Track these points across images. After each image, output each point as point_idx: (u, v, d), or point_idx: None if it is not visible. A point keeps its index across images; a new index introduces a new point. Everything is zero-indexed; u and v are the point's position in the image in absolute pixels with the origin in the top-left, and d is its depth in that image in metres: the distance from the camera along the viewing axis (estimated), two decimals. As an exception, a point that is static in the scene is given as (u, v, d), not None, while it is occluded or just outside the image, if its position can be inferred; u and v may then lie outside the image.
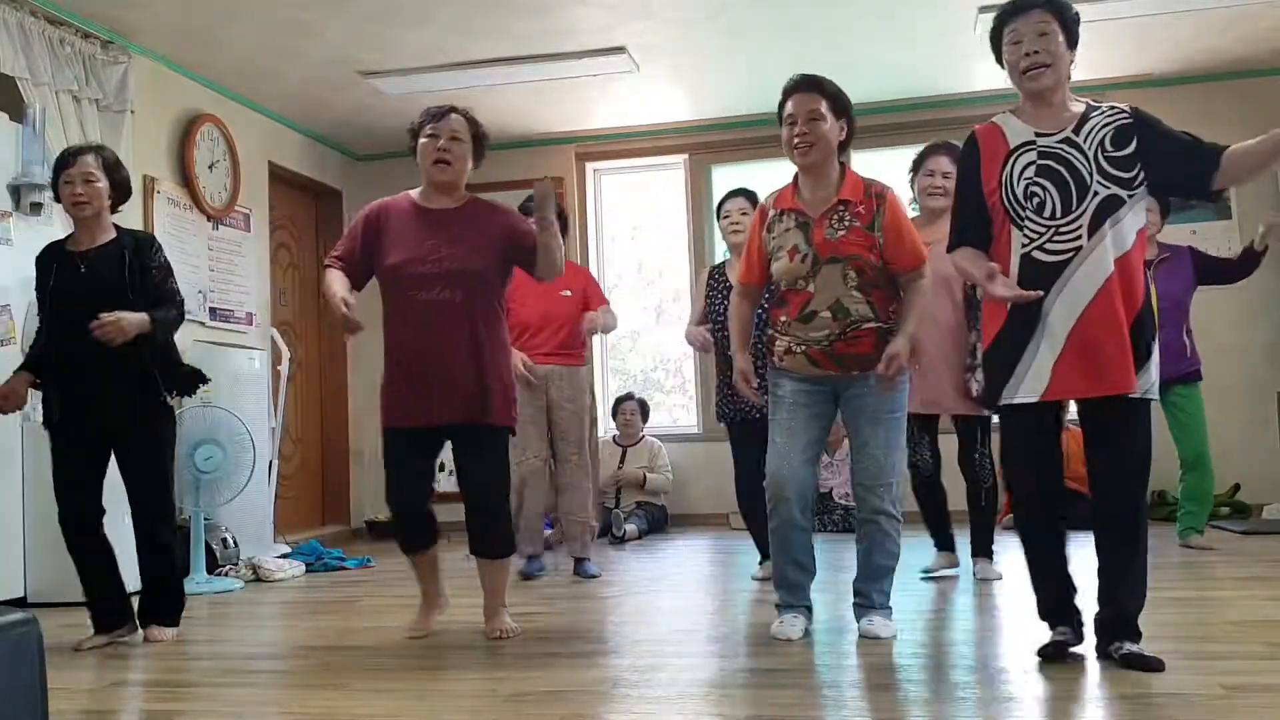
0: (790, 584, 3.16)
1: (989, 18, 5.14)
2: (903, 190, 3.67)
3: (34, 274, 3.54)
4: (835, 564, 4.77)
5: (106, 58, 4.92)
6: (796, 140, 3.07)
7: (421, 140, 3.28)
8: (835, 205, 3.08)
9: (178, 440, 3.63)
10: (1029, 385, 2.63)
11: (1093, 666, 2.67)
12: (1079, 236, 2.58)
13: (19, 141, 4.44)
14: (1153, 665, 2.52)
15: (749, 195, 4.39)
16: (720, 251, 6.76)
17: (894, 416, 3.10)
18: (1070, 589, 2.74)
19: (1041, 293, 2.58)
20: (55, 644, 3.24)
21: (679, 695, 2.59)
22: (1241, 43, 5.74)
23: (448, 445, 3.36)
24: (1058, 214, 2.60)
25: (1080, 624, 2.72)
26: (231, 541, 5.05)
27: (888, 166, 6.86)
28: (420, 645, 3.28)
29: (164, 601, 3.50)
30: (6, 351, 4.34)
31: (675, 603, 4.00)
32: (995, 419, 4.02)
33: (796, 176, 3.18)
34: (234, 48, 5.30)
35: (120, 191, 3.54)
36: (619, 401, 6.63)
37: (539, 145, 6.96)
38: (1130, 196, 2.60)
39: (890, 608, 3.13)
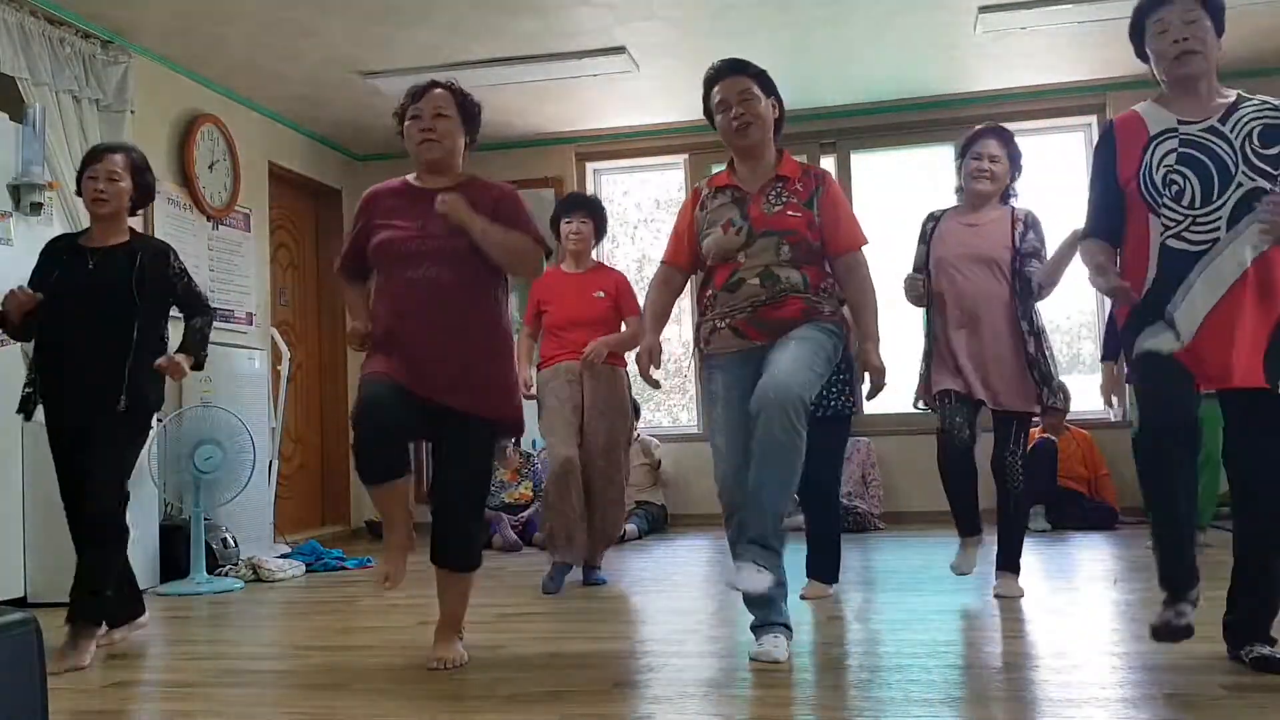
0: (758, 599, 2.89)
1: (989, 17, 5.23)
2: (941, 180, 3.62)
3: (34, 270, 3.49)
4: (835, 564, 4.77)
5: (106, 58, 4.92)
6: (735, 122, 3.02)
7: (406, 123, 3.12)
8: (773, 180, 3.03)
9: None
10: (1161, 338, 2.55)
11: (1093, 666, 2.67)
12: (1217, 227, 2.53)
13: (19, 141, 4.43)
14: None
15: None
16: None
17: (809, 339, 2.88)
18: (1194, 550, 2.56)
19: (1136, 296, 2.57)
20: (55, 644, 3.24)
21: (679, 695, 2.59)
22: (1242, 43, 5.74)
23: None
24: (1197, 203, 2.55)
25: (1196, 601, 2.51)
26: (231, 541, 5.05)
27: (888, 166, 6.90)
28: (420, 645, 3.28)
29: (85, 591, 3.27)
30: (6, 351, 4.34)
31: (675, 603, 4.00)
32: (1035, 420, 3.92)
33: (732, 160, 3.14)
34: (234, 48, 5.30)
35: (142, 194, 3.53)
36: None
37: (539, 145, 6.96)
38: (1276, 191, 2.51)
39: (767, 553, 2.79)
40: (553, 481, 4.27)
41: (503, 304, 3.12)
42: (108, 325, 3.32)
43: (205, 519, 4.76)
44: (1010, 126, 3.93)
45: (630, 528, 6.00)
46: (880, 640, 3.11)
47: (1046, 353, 3.71)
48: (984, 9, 5.15)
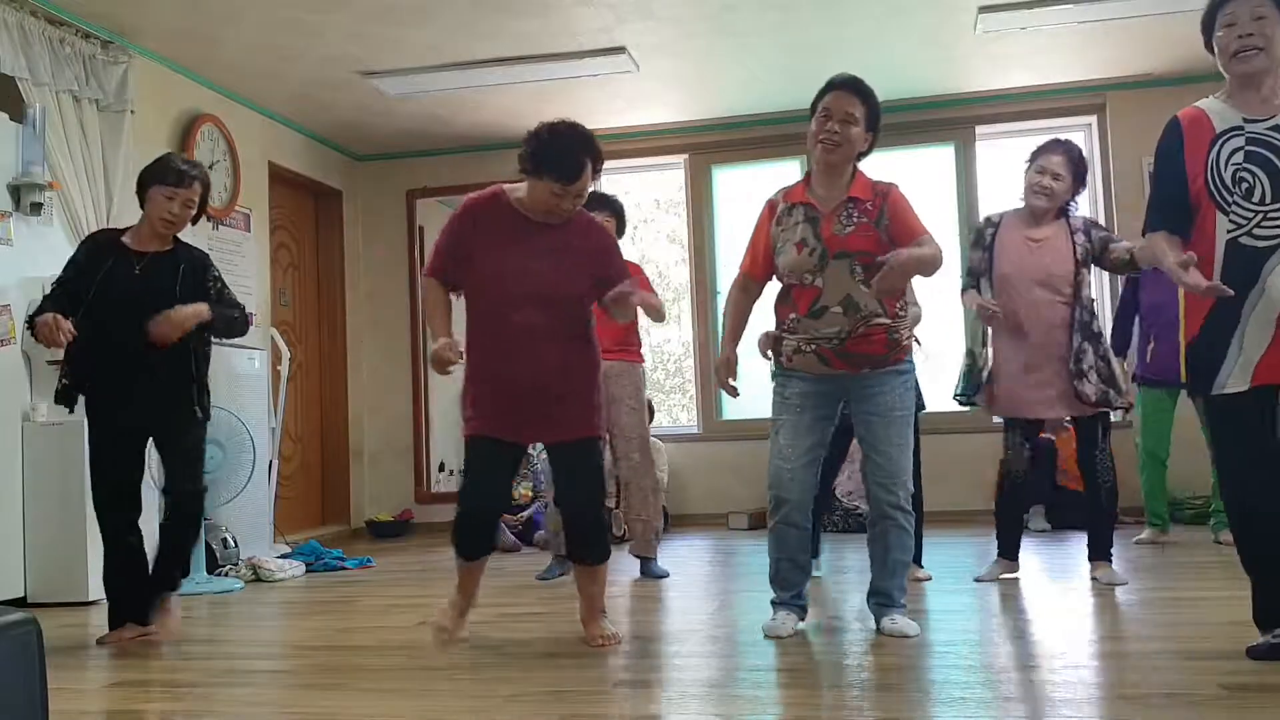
0: (785, 581, 3.20)
1: (989, 18, 5.23)
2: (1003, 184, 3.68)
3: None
4: (836, 564, 4.78)
5: (106, 58, 4.92)
6: (824, 136, 3.08)
7: (551, 193, 3.08)
8: (845, 202, 3.10)
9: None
10: (1238, 374, 2.59)
11: (1093, 666, 2.67)
12: None
13: (19, 141, 4.44)
14: None
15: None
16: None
17: (902, 415, 3.10)
18: None
19: (1231, 292, 2.53)
20: (55, 644, 3.24)
21: (679, 695, 2.59)
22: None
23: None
24: (1267, 199, 2.56)
25: None
26: (231, 541, 5.05)
27: (888, 167, 6.88)
28: (420, 646, 3.28)
29: (176, 566, 3.54)
30: (6, 351, 4.35)
31: (675, 603, 4.00)
32: (1114, 417, 4.10)
33: (809, 173, 3.20)
34: (234, 48, 5.30)
35: (200, 213, 3.62)
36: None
37: (539, 145, 6.95)
38: None
39: (904, 602, 3.17)
40: None
41: (594, 332, 3.27)
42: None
43: (205, 519, 4.76)
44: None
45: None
46: (880, 640, 3.11)
47: (1107, 356, 3.86)
48: (984, 9, 5.15)
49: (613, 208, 4.74)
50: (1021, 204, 4.00)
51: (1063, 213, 3.93)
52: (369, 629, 3.62)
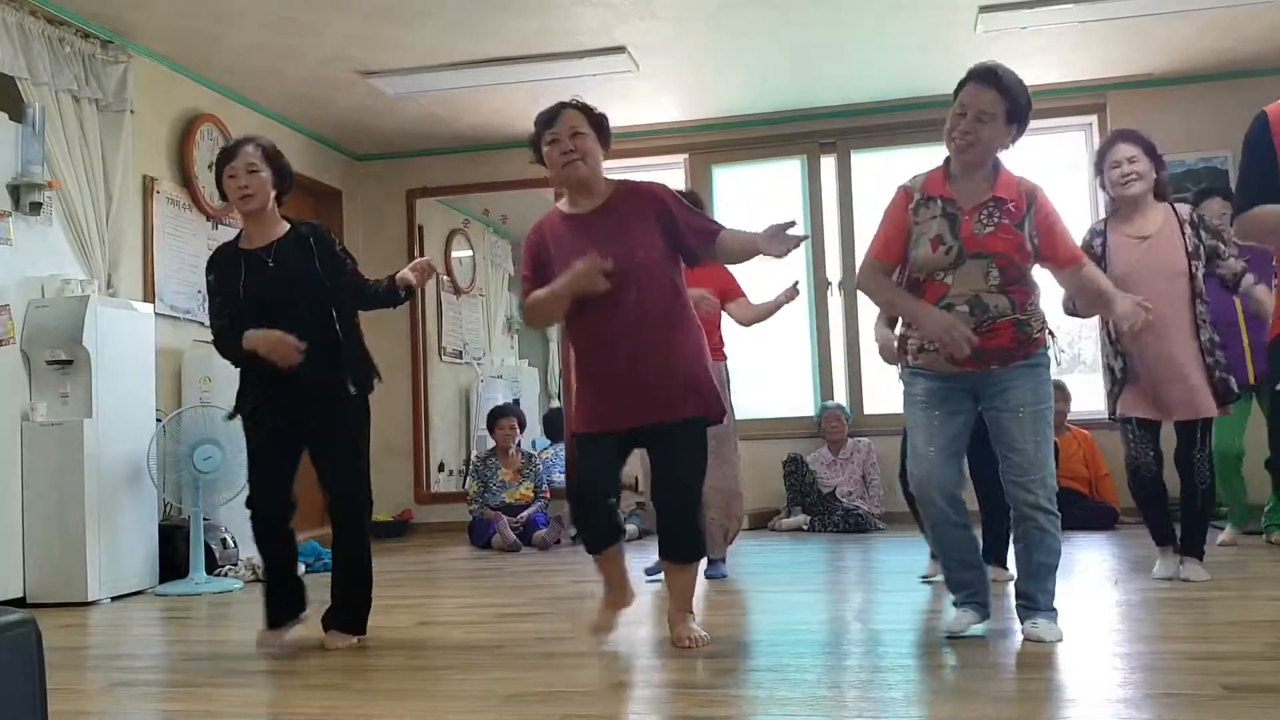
0: (956, 582, 3.07)
1: (989, 17, 5.23)
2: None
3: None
4: (835, 565, 4.78)
5: (106, 58, 4.92)
6: (957, 136, 2.94)
7: (545, 149, 3.12)
8: (988, 200, 2.95)
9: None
10: None
11: (1093, 666, 2.67)
12: None
13: (19, 141, 4.44)
14: None
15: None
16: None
17: (1039, 409, 2.96)
18: None
19: None
20: (55, 644, 3.24)
21: (680, 695, 2.58)
22: (1242, 43, 5.74)
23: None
24: None
25: None
26: (231, 541, 5.05)
27: (888, 166, 6.88)
28: (420, 646, 3.28)
29: (346, 609, 3.31)
30: (6, 351, 4.35)
31: (675, 603, 3.99)
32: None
33: (948, 161, 3.04)
34: (234, 48, 5.30)
35: (282, 180, 3.42)
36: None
37: (539, 145, 6.95)
38: None
39: (1055, 610, 2.99)
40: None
41: (687, 298, 3.15)
42: (310, 317, 3.23)
43: (205, 519, 4.76)
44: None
45: (631, 528, 5.99)
46: (880, 640, 3.11)
47: (1220, 348, 3.81)
48: (984, 9, 5.15)
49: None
50: (1111, 210, 3.96)
51: (1162, 197, 3.87)
52: (369, 629, 3.62)
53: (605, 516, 3.12)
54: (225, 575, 4.85)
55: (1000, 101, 2.90)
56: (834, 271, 6.78)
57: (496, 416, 6.46)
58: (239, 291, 3.26)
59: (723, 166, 6.97)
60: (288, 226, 3.39)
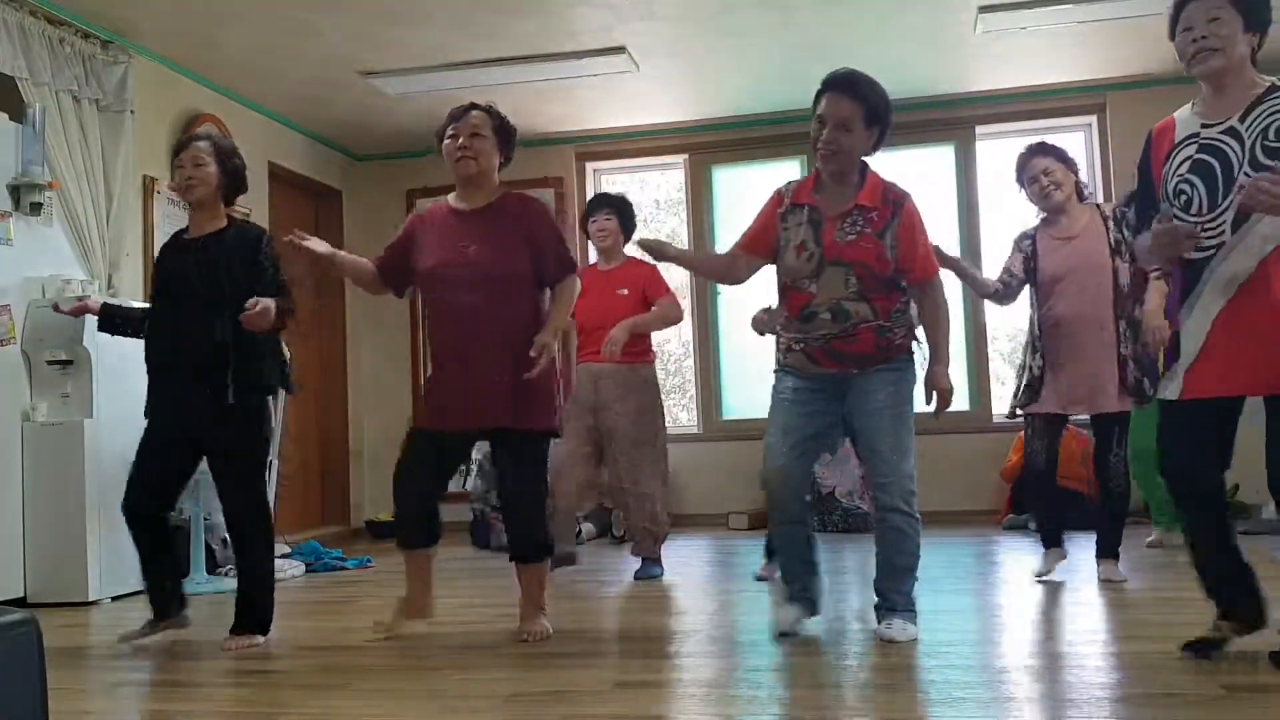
0: (793, 577, 3.17)
1: (989, 17, 5.23)
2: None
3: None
4: (835, 565, 4.78)
5: (106, 58, 4.91)
6: (821, 147, 3.01)
7: (445, 141, 3.29)
8: (851, 209, 3.03)
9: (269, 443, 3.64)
10: (1175, 385, 2.59)
11: (1093, 666, 2.67)
12: (1222, 231, 2.49)
13: (19, 141, 4.44)
14: None
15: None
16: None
17: (898, 412, 3.04)
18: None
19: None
20: (55, 644, 3.24)
21: (679, 695, 2.59)
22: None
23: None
24: (1203, 210, 2.52)
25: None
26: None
27: (888, 166, 6.87)
28: (420, 646, 3.28)
29: (246, 617, 3.42)
30: (6, 351, 4.35)
31: (675, 603, 4.00)
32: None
33: (817, 170, 3.12)
34: (234, 48, 5.30)
35: (232, 179, 3.48)
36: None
37: (539, 145, 6.95)
38: None
39: (913, 610, 3.09)
40: (554, 477, 4.28)
41: (541, 314, 3.27)
42: (203, 314, 3.29)
43: (205, 519, 4.76)
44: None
45: (588, 526, 6.01)
46: (882, 641, 3.11)
47: (1145, 346, 3.86)
48: (984, 9, 5.15)
49: (613, 204, 4.70)
50: (1042, 215, 4.04)
51: (1084, 198, 3.98)
52: (369, 629, 3.62)
53: (421, 515, 3.30)
54: (225, 575, 4.84)
55: (858, 108, 2.96)
56: (834, 271, 6.77)
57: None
58: (156, 280, 3.41)
59: (723, 167, 6.97)
60: (224, 224, 3.46)
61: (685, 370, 7.28)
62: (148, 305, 3.51)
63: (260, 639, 3.38)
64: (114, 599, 4.38)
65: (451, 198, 3.37)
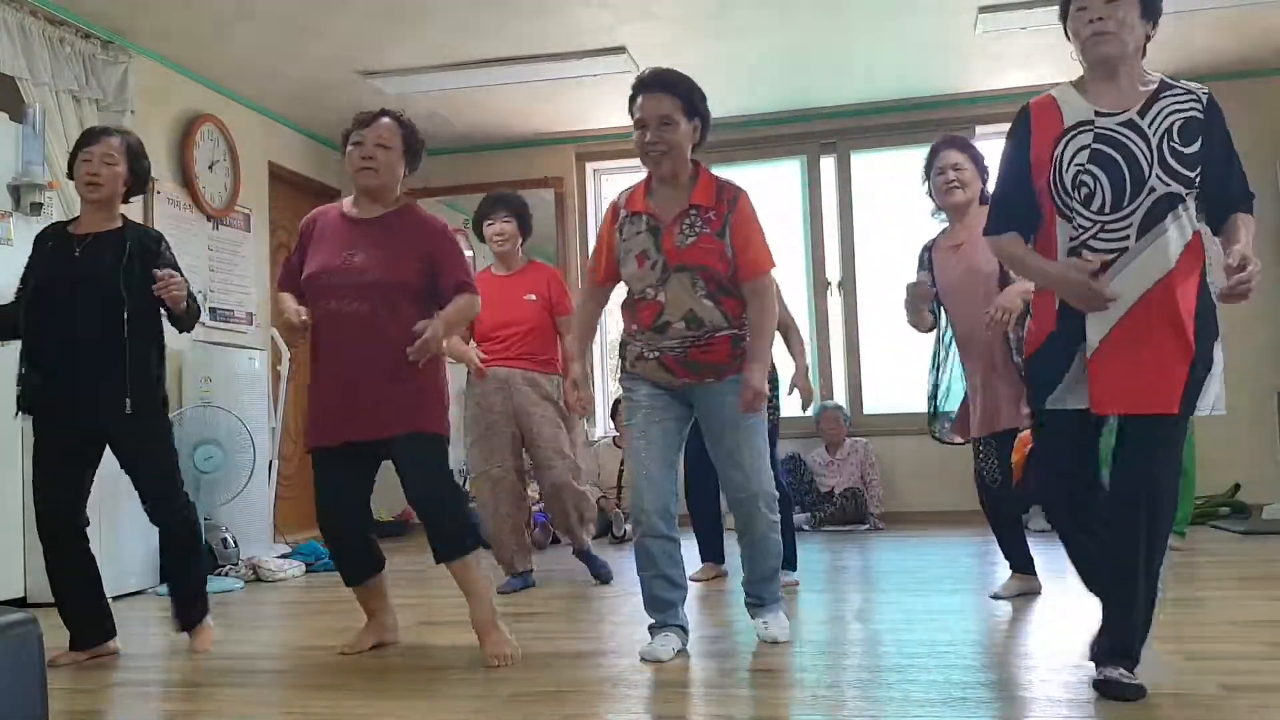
0: (657, 601, 3.00)
1: (989, 18, 5.23)
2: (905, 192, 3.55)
3: (27, 263, 3.41)
4: (835, 564, 4.78)
5: (106, 58, 4.92)
6: (648, 148, 2.92)
7: (349, 148, 3.12)
8: (687, 210, 2.95)
9: (176, 439, 3.53)
10: (1075, 394, 2.39)
11: (1093, 665, 2.67)
12: (1126, 237, 2.33)
13: (19, 141, 4.44)
14: None
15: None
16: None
17: (751, 422, 2.96)
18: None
19: (1103, 303, 2.31)
20: (55, 644, 3.23)
21: (679, 695, 2.59)
22: (1243, 43, 5.74)
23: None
24: (1106, 209, 2.35)
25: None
26: (231, 541, 5.05)
27: (888, 166, 6.89)
28: (420, 646, 3.28)
29: (186, 595, 3.36)
30: (6, 351, 4.34)
31: (675, 603, 3.99)
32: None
33: (650, 176, 3.03)
34: (234, 48, 5.30)
35: (137, 180, 3.37)
36: (618, 402, 6.62)
37: (539, 145, 6.96)
38: (1191, 198, 2.34)
39: (780, 599, 3.14)
40: (494, 500, 4.26)
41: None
42: (97, 319, 3.16)
43: (205, 519, 4.75)
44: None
45: (630, 528, 5.98)
46: (880, 640, 3.11)
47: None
48: (984, 9, 5.15)
49: (510, 205, 4.43)
50: (940, 220, 3.80)
51: (984, 204, 3.62)
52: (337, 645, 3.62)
53: (356, 547, 3.19)
54: (225, 575, 4.85)
55: (676, 102, 2.92)
56: (833, 272, 6.78)
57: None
58: (34, 271, 3.24)
59: (722, 167, 6.93)
60: (118, 225, 3.32)
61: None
62: (13, 300, 3.29)
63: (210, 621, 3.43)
64: (114, 599, 4.37)
65: (347, 203, 3.20)
